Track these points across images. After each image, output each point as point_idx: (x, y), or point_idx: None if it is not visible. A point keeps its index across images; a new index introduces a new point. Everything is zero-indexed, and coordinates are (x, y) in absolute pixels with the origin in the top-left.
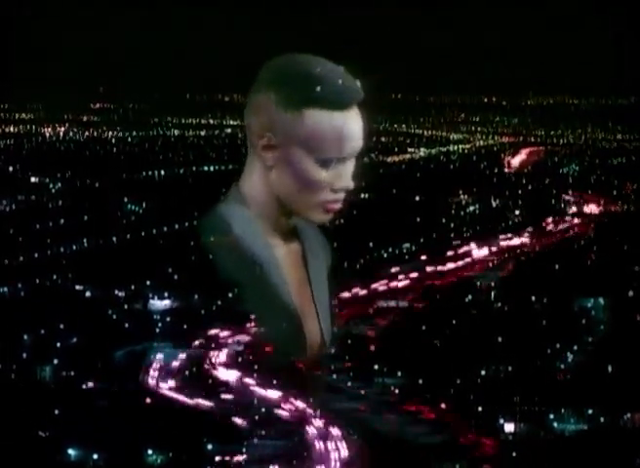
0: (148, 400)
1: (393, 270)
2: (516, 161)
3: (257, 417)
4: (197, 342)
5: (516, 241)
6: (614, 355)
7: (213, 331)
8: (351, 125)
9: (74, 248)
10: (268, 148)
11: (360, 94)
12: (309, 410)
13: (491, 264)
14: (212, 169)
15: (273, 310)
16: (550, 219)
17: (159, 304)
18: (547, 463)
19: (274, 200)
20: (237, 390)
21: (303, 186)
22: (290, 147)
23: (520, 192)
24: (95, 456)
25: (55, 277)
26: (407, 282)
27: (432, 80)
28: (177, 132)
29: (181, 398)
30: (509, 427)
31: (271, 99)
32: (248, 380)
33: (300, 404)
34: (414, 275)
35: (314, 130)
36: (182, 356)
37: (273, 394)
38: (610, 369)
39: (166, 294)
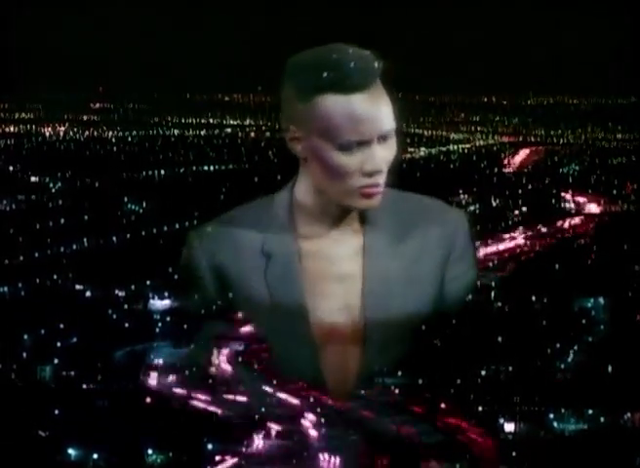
0: (148, 400)
1: None
2: (516, 161)
3: (256, 417)
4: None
5: (516, 241)
6: (613, 355)
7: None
8: (366, 106)
9: (74, 247)
10: (294, 141)
11: (374, 75)
12: (309, 410)
13: (491, 264)
14: (212, 168)
15: (282, 325)
16: (550, 219)
17: (159, 304)
18: (547, 463)
19: (317, 192)
20: (236, 389)
21: (333, 174)
22: (311, 137)
23: (520, 192)
24: (95, 456)
25: (55, 277)
26: None
27: (432, 80)
28: (177, 131)
29: (182, 398)
30: (509, 427)
31: (288, 92)
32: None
33: (300, 403)
34: None
35: (326, 115)
36: (182, 355)
37: (273, 393)
38: (610, 369)
39: (166, 294)
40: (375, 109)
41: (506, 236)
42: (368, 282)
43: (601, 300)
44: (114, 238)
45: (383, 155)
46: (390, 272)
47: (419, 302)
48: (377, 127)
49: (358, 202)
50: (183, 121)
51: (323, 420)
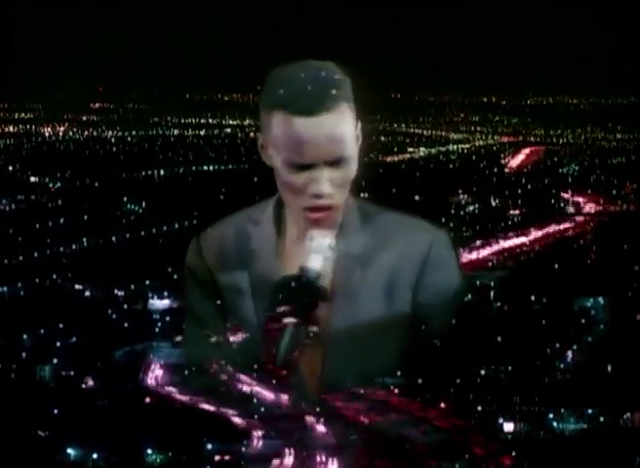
0: (148, 400)
1: None
2: (516, 161)
3: (255, 416)
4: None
5: (516, 240)
6: (613, 355)
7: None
8: (312, 131)
9: (74, 247)
10: (261, 149)
11: (327, 101)
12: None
13: (490, 264)
14: (211, 168)
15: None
16: (550, 219)
17: (159, 304)
18: (547, 463)
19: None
20: (235, 389)
21: (284, 188)
22: (270, 148)
23: (520, 192)
24: (95, 456)
25: (55, 277)
26: None
27: (432, 80)
28: (176, 131)
29: (181, 398)
30: (509, 427)
31: (260, 101)
32: (245, 379)
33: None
34: None
35: (277, 132)
36: (182, 355)
37: (270, 392)
38: (609, 368)
39: (165, 294)
40: (321, 135)
41: (506, 236)
42: (335, 291)
43: (601, 300)
44: (114, 238)
45: (332, 178)
46: (358, 283)
47: (387, 313)
48: (321, 153)
49: (307, 225)
50: (183, 121)
51: (322, 420)
